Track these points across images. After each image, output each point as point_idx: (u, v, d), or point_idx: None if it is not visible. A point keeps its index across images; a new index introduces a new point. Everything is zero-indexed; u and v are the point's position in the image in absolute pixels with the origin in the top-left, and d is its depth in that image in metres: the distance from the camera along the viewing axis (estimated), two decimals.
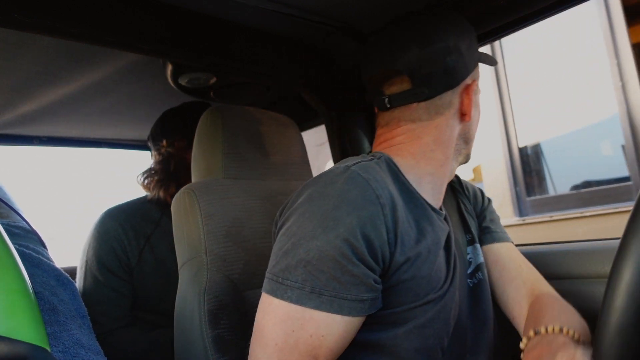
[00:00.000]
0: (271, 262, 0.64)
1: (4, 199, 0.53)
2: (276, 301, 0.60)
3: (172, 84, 1.14)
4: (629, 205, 2.15)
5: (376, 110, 0.81)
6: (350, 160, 0.69)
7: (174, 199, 0.93)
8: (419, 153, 0.74)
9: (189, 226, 0.88)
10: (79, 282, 1.23)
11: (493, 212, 0.95)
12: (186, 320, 0.82)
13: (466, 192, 0.93)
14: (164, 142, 1.28)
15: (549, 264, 1.04)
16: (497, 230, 0.91)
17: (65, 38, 0.82)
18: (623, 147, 2.35)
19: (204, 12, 0.91)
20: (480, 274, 0.83)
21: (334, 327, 0.59)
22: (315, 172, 0.89)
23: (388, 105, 0.75)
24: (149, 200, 1.27)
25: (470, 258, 0.83)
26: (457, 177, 0.94)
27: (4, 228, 0.39)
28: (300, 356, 0.59)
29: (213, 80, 1.16)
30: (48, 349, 0.31)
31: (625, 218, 0.37)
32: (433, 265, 0.68)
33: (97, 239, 1.21)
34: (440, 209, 0.80)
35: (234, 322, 0.82)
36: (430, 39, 0.72)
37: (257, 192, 0.98)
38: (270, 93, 1.35)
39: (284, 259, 0.61)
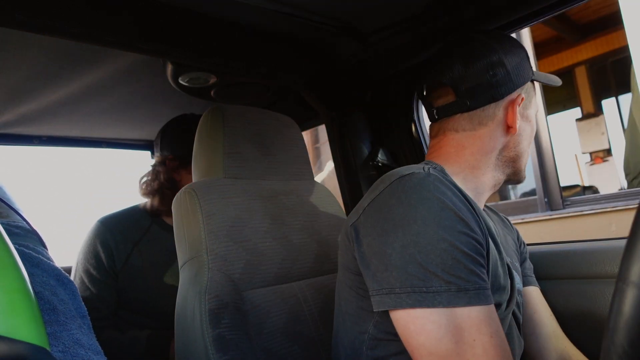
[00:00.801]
0: (388, 276, 0.63)
1: (4, 199, 0.53)
2: (427, 312, 0.60)
3: (172, 83, 1.14)
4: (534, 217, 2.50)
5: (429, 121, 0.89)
6: (415, 168, 0.72)
7: (174, 199, 0.93)
8: (463, 161, 0.80)
9: (189, 226, 0.88)
10: None
11: (527, 257, 1.01)
12: (187, 319, 0.82)
13: (510, 227, 1.01)
14: (158, 156, 1.36)
15: (549, 264, 1.04)
16: (532, 275, 0.99)
17: (65, 38, 0.82)
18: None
19: (204, 12, 0.91)
20: (519, 298, 0.85)
21: (494, 316, 0.62)
22: (315, 172, 0.89)
23: (436, 117, 0.84)
24: (141, 208, 1.37)
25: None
26: (505, 218, 1.02)
27: (4, 228, 0.39)
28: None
29: (213, 80, 1.16)
30: (48, 348, 0.31)
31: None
32: (497, 261, 0.72)
33: (87, 243, 1.31)
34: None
35: (235, 321, 0.82)
36: (475, 54, 0.79)
37: (258, 192, 0.98)
38: (270, 93, 1.35)
39: (412, 268, 0.61)
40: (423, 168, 0.71)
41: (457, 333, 0.59)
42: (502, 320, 0.72)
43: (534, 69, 0.84)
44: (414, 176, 0.68)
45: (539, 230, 2.50)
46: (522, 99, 0.80)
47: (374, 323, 0.70)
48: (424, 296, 0.60)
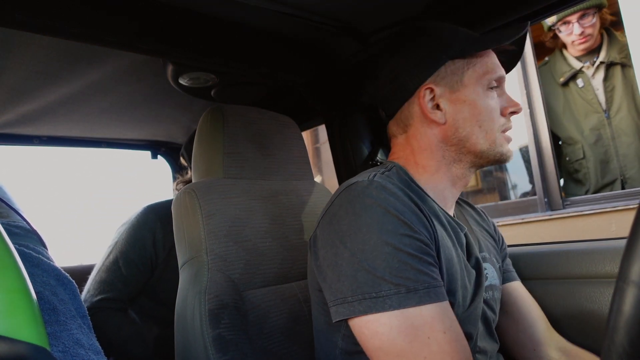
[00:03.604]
0: (341, 286, 0.65)
1: (4, 199, 0.53)
2: (379, 316, 0.61)
3: (172, 83, 1.14)
4: (534, 217, 2.53)
5: None
6: (362, 176, 0.74)
7: (174, 199, 0.93)
8: (413, 163, 0.82)
9: (189, 226, 0.88)
10: (101, 257, 1.33)
11: (507, 254, 1.01)
12: (187, 319, 0.82)
13: (487, 221, 0.99)
14: (182, 175, 1.43)
15: (549, 264, 1.04)
16: (512, 270, 0.99)
17: (65, 38, 0.82)
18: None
19: (204, 12, 0.91)
20: (492, 293, 0.85)
21: (448, 312, 0.64)
22: (315, 172, 0.89)
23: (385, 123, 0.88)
24: None
25: (486, 272, 0.84)
26: (482, 211, 1.01)
27: (4, 228, 0.39)
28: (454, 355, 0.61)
29: (213, 80, 1.16)
30: (48, 348, 0.31)
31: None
32: (452, 259, 0.72)
33: (133, 226, 1.32)
34: (453, 216, 0.84)
35: (235, 321, 0.82)
36: (378, 69, 0.85)
37: (258, 192, 0.98)
38: (271, 93, 1.35)
39: (360, 276, 0.63)
40: (369, 175, 0.72)
41: (410, 333, 0.60)
42: (467, 317, 0.73)
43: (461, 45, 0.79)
44: (357, 185, 0.69)
45: (539, 230, 2.50)
46: (431, 89, 0.78)
47: (342, 337, 0.72)
48: (374, 301, 0.61)
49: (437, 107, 0.79)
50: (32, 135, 1.60)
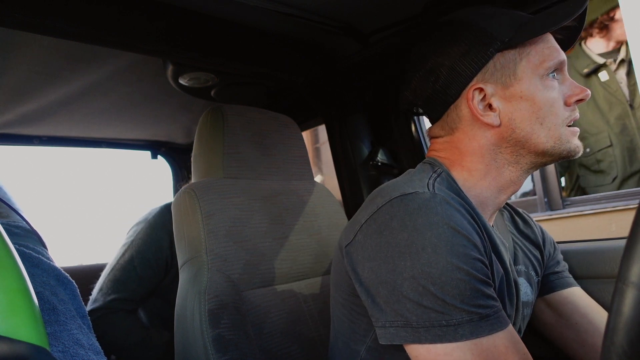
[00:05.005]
0: (400, 308, 0.58)
1: (4, 199, 0.53)
2: (449, 346, 0.55)
3: (172, 83, 1.14)
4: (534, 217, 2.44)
5: None
6: (419, 184, 0.66)
7: (174, 199, 0.93)
8: (457, 164, 0.73)
9: (189, 226, 0.88)
10: (115, 256, 1.31)
11: (561, 257, 0.93)
12: (186, 319, 0.82)
13: (532, 227, 0.89)
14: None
15: None
16: (569, 275, 0.90)
17: (65, 38, 0.82)
18: None
19: (204, 11, 0.91)
20: (524, 310, 0.78)
21: (517, 337, 0.59)
22: (315, 172, 0.89)
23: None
24: None
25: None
26: (526, 216, 0.92)
27: (4, 228, 0.39)
28: None
29: (213, 80, 1.16)
30: (48, 348, 0.31)
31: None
32: (502, 276, 0.67)
33: (151, 226, 1.30)
34: (492, 226, 0.77)
35: (235, 321, 0.82)
36: (413, 69, 0.76)
37: (258, 192, 0.98)
38: (270, 93, 1.35)
39: (427, 301, 0.56)
40: (427, 184, 0.65)
41: None
42: None
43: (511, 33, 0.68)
44: (417, 197, 0.61)
45: None
46: (480, 89, 0.69)
47: (366, 348, 0.67)
48: (444, 330, 0.55)
49: (490, 107, 0.69)
50: (32, 135, 1.60)
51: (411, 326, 0.57)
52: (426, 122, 1.23)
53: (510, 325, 0.59)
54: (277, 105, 1.45)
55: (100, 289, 1.24)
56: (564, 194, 2.56)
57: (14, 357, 0.28)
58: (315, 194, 1.09)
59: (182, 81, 1.13)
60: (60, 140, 1.67)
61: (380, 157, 1.26)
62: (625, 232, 0.34)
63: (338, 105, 1.28)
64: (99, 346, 0.44)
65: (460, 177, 0.72)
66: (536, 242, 0.87)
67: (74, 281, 0.49)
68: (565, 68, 0.71)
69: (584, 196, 2.53)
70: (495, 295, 0.59)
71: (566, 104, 0.69)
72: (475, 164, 0.72)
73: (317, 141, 5.03)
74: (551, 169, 2.53)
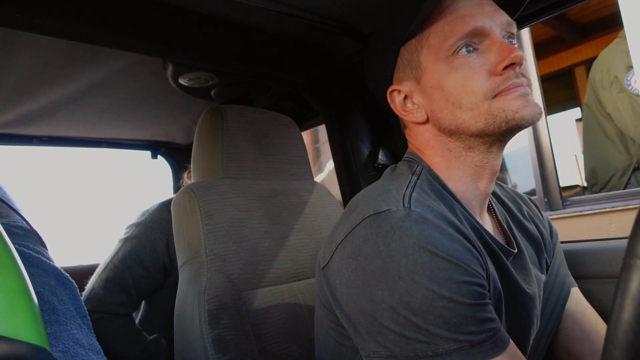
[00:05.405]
0: (383, 340, 0.53)
1: (4, 199, 0.53)
2: None
3: (172, 83, 1.14)
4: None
5: None
6: (394, 198, 0.59)
7: (174, 199, 0.93)
8: (428, 160, 0.70)
9: (188, 226, 0.88)
10: (109, 254, 1.25)
11: (561, 252, 0.85)
12: (186, 320, 0.82)
13: (531, 218, 0.83)
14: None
15: None
16: (567, 273, 0.83)
17: (65, 38, 0.82)
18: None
19: (204, 11, 0.91)
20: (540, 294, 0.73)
21: (519, 356, 0.53)
22: (315, 173, 0.89)
23: None
24: None
25: None
26: (527, 203, 0.86)
27: (4, 228, 0.39)
28: None
29: (213, 80, 1.16)
30: (48, 348, 0.31)
31: None
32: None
33: (146, 225, 1.24)
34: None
35: (234, 322, 0.82)
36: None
37: (257, 192, 0.98)
38: (270, 93, 1.35)
39: (410, 332, 0.51)
40: (404, 196, 0.59)
41: None
42: None
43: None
44: (390, 216, 0.56)
45: None
46: (397, 90, 0.69)
47: None
48: None
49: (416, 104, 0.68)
50: (32, 135, 1.60)
51: (395, 357, 0.53)
52: None
53: (511, 344, 0.54)
54: (277, 106, 1.45)
55: (93, 288, 1.18)
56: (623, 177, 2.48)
57: (14, 357, 0.28)
58: (315, 194, 1.10)
59: (182, 81, 1.13)
60: (60, 140, 1.67)
61: (381, 157, 1.26)
62: (626, 232, 0.34)
63: (338, 105, 1.28)
64: (99, 346, 0.44)
65: (437, 170, 0.68)
66: (534, 234, 0.81)
67: (74, 281, 0.49)
68: (491, 33, 0.62)
69: (584, 196, 2.53)
70: (491, 315, 0.53)
71: (494, 73, 0.61)
72: (435, 157, 0.68)
73: (317, 141, 5.04)
74: (551, 169, 2.53)
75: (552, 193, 2.53)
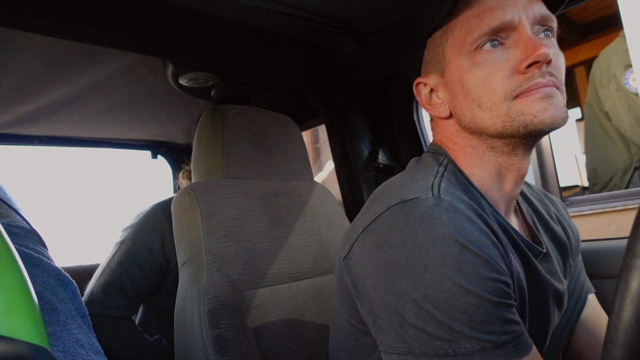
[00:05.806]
0: (403, 334, 0.51)
1: (4, 199, 0.53)
2: None
3: (172, 83, 1.14)
4: None
5: None
6: (422, 186, 0.56)
7: (174, 199, 0.93)
8: (453, 154, 0.67)
9: (189, 226, 0.88)
10: (106, 257, 1.24)
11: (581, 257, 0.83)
12: (186, 320, 0.82)
13: (554, 219, 0.78)
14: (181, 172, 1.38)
15: None
16: (585, 278, 0.81)
17: (65, 38, 0.82)
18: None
19: (204, 12, 0.91)
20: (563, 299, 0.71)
21: None
22: (315, 173, 0.89)
23: None
24: None
25: None
26: (554, 204, 0.82)
27: (4, 228, 0.39)
28: None
29: (213, 80, 1.16)
30: (48, 348, 0.31)
31: None
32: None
33: (141, 226, 1.23)
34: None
35: (234, 322, 0.82)
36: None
37: (257, 192, 0.98)
38: (271, 93, 1.36)
39: (431, 327, 0.49)
40: (432, 185, 0.56)
41: None
42: None
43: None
44: (420, 204, 0.53)
45: None
46: (424, 83, 0.67)
47: None
48: None
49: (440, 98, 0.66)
50: (32, 135, 1.60)
51: (414, 354, 0.50)
52: (426, 122, 1.23)
53: (534, 350, 0.51)
54: (277, 106, 1.45)
55: (92, 293, 1.18)
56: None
57: (15, 356, 0.28)
58: (315, 194, 1.10)
59: (182, 81, 1.13)
60: (60, 140, 1.67)
61: (381, 157, 1.26)
62: (626, 232, 0.34)
63: (338, 105, 1.28)
64: (99, 346, 0.44)
65: (461, 166, 0.64)
66: (558, 234, 0.77)
67: (74, 281, 0.49)
68: (520, 26, 0.57)
69: (584, 196, 2.53)
70: (516, 318, 0.51)
71: (517, 72, 0.57)
72: (458, 153, 0.65)
73: (317, 141, 5.04)
74: (551, 169, 2.53)
75: (552, 193, 2.53)
